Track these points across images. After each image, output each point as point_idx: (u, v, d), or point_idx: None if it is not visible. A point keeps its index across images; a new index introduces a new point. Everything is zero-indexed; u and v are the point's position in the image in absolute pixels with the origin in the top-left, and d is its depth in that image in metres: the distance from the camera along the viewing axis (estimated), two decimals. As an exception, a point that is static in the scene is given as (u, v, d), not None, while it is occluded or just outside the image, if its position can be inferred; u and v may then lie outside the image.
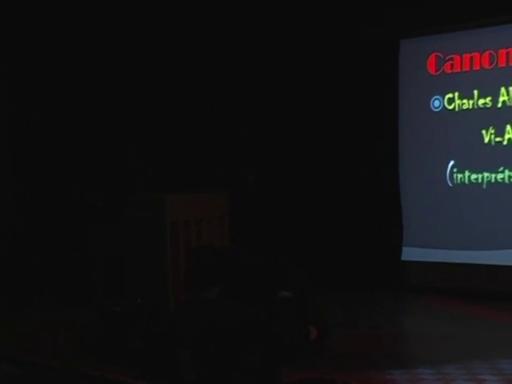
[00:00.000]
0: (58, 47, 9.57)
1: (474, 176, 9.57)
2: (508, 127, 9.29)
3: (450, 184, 9.76)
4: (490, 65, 9.44)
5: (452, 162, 9.74)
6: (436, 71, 9.88)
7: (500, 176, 9.36)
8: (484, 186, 9.50)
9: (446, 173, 9.76)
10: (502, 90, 9.34)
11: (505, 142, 9.34)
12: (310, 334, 5.52)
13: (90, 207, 8.12)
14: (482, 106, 9.54)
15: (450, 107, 9.79)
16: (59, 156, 9.61)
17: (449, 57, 9.76)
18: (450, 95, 9.78)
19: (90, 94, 9.71)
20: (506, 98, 9.33)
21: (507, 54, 9.29)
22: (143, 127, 10.14)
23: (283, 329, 5.47)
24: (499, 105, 9.39)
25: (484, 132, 9.48)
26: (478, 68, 9.54)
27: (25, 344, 7.11)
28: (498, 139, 9.38)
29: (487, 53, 9.43)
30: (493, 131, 9.41)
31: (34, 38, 9.44)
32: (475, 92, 9.57)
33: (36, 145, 9.58)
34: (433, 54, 9.88)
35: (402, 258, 10.07)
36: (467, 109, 9.66)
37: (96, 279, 8.13)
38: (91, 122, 9.74)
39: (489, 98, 9.47)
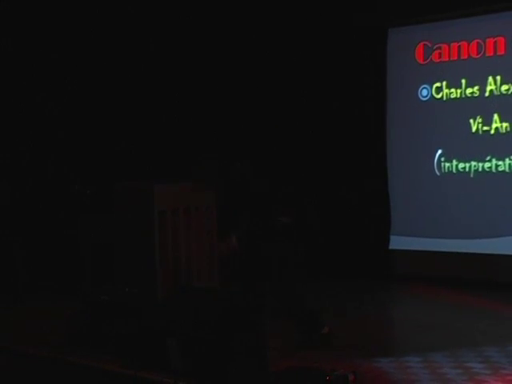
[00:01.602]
0: (46, 39, 9.54)
1: (461, 165, 9.60)
2: (495, 116, 9.31)
3: (438, 173, 9.78)
4: (478, 54, 9.45)
5: (440, 151, 9.77)
6: (424, 60, 9.89)
7: (487, 165, 9.39)
8: (471, 175, 9.52)
9: (433, 162, 9.78)
10: (490, 79, 9.36)
11: (492, 131, 9.37)
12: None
13: (78, 196, 8.10)
14: (469, 95, 9.56)
15: (438, 96, 9.80)
16: (46, 146, 9.58)
17: (437, 46, 9.77)
18: (438, 84, 9.79)
19: (78, 84, 9.67)
20: (493, 87, 9.35)
21: (495, 43, 9.30)
22: (132, 116, 10.10)
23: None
24: (487, 94, 9.41)
25: (472, 121, 9.50)
26: (466, 57, 9.55)
27: (11, 332, 7.09)
28: (485, 128, 9.41)
29: (475, 42, 9.45)
30: (480, 120, 9.43)
31: (24, 34, 9.44)
32: (463, 81, 9.58)
33: (22, 136, 9.55)
34: (421, 43, 9.88)
35: (390, 247, 10.10)
36: (455, 98, 9.67)
37: (84, 268, 8.11)
38: (80, 112, 9.71)
39: (476, 87, 9.48)
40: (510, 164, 9.24)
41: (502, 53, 9.27)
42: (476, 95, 9.49)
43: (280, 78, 10.37)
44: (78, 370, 5.69)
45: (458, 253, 9.50)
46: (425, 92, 9.89)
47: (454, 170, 9.66)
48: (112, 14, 9.88)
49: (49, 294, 8.86)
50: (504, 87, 9.28)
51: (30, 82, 9.52)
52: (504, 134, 9.29)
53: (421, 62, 9.92)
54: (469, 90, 9.55)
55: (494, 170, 9.34)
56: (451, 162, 9.68)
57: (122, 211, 7.80)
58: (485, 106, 9.40)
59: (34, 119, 9.56)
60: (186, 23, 10.29)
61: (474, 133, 9.50)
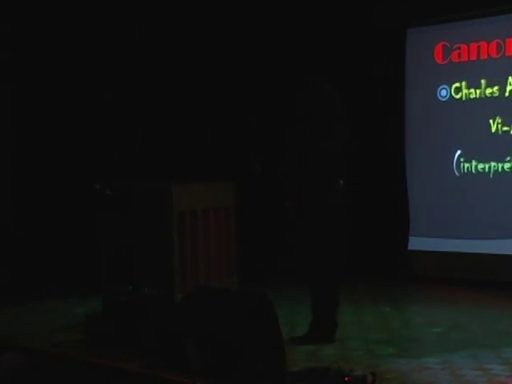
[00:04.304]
0: (59, 41, 9.61)
1: (480, 165, 9.55)
2: (515, 117, 9.28)
3: (457, 173, 9.75)
4: (498, 54, 9.41)
5: (459, 152, 9.73)
6: (443, 60, 9.86)
7: (507, 165, 9.34)
8: (491, 176, 9.48)
9: (452, 162, 9.75)
10: (510, 79, 9.31)
11: (512, 132, 9.34)
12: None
13: (98, 196, 8.13)
14: (489, 96, 9.52)
15: (457, 96, 9.76)
16: (67, 146, 9.63)
17: (456, 46, 9.74)
18: (458, 84, 9.75)
19: (96, 84, 9.71)
20: (513, 87, 9.32)
21: (515, 43, 9.27)
22: (150, 116, 10.13)
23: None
24: (507, 94, 9.36)
25: (491, 121, 9.45)
26: (486, 57, 9.51)
27: (30, 332, 7.14)
28: (505, 128, 9.36)
29: (495, 42, 9.40)
30: (500, 120, 9.39)
31: (34, 33, 9.50)
32: (482, 81, 9.54)
33: (42, 136, 9.61)
34: (440, 43, 9.85)
35: (409, 248, 10.08)
36: (474, 98, 9.63)
37: (102, 268, 8.14)
38: (99, 112, 9.75)
39: (496, 88, 9.44)
40: (530, 165, 9.21)
41: (523, 53, 9.24)
42: (496, 95, 9.45)
43: (299, 78, 10.35)
44: (96, 370, 5.71)
45: (478, 254, 9.45)
46: (444, 92, 9.86)
47: (474, 171, 9.62)
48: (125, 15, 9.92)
49: (67, 294, 8.90)
50: (525, 87, 9.26)
51: (51, 83, 9.58)
52: (524, 134, 9.26)
53: (440, 62, 9.89)
54: (488, 90, 9.51)
55: (514, 170, 9.31)
56: (470, 162, 9.64)
57: (141, 211, 7.84)
58: (505, 107, 9.36)
59: (54, 120, 9.61)
60: (201, 27, 10.31)
61: (493, 133, 9.46)
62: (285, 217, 6.80)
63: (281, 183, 6.78)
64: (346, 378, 5.01)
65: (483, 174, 9.53)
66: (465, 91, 9.70)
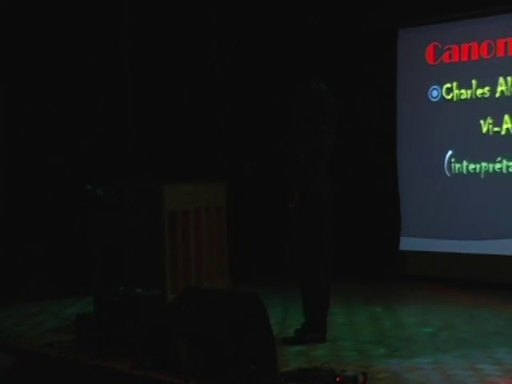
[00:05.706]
0: (51, 42, 9.60)
1: (471, 166, 9.58)
2: (506, 117, 9.29)
3: (448, 174, 9.77)
4: (489, 55, 9.43)
5: (450, 152, 9.75)
6: (434, 61, 9.88)
7: (498, 166, 9.37)
8: (482, 176, 9.50)
9: (444, 162, 9.77)
10: (501, 79, 9.34)
11: (503, 132, 9.34)
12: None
13: (89, 196, 8.13)
14: (480, 96, 9.54)
15: (448, 97, 9.79)
16: (59, 146, 9.62)
17: (447, 47, 9.76)
18: (448, 85, 9.77)
19: (89, 84, 9.70)
20: (504, 87, 9.33)
21: (505, 43, 9.28)
22: (142, 116, 10.12)
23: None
24: (497, 95, 9.39)
25: (482, 122, 9.47)
26: (477, 58, 9.54)
27: (21, 333, 7.13)
28: (495, 129, 9.38)
29: (485, 43, 9.43)
30: (491, 121, 9.41)
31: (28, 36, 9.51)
32: (473, 82, 9.56)
33: (34, 137, 9.59)
34: (431, 44, 9.87)
35: (400, 248, 10.09)
36: (465, 99, 9.66)
37: (94, 268, 8.13)
38: (91, 112, 9.74)
39: (487, 88, 9.46)
40: (520, 165, 9.24)
41: (513, 53, 9.27)
42: (486, 96, 9.47)
43: (291, 78, 10.36)
44: (88, 371, 5.70)
45: (469, 254, 9.47)
46: (435, 93, 9.88)
47: (465, 171, 9.64)
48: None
49: (59, 294, 8.89)
50: (515, 88, 9.28)
51: (44, 83, 9.58)
52: (514, 134, 9.29)
53: (431, 62, 9.91)
54: (479, 91, 9.53)
55: (504, 170, 9.32)
56: (461, 162, 9.66)
57: (133, 212, 7.84)
58: (495, 107, 9.38)
59: (44, 120, 9.60)
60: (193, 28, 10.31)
61: (484, 133, 9.48)
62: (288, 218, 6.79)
63: (287, 183, 6.75)
64: (338, 379, 5.01)
65: (474, 175, 9.55)
66: (456, 92, 9.73)
